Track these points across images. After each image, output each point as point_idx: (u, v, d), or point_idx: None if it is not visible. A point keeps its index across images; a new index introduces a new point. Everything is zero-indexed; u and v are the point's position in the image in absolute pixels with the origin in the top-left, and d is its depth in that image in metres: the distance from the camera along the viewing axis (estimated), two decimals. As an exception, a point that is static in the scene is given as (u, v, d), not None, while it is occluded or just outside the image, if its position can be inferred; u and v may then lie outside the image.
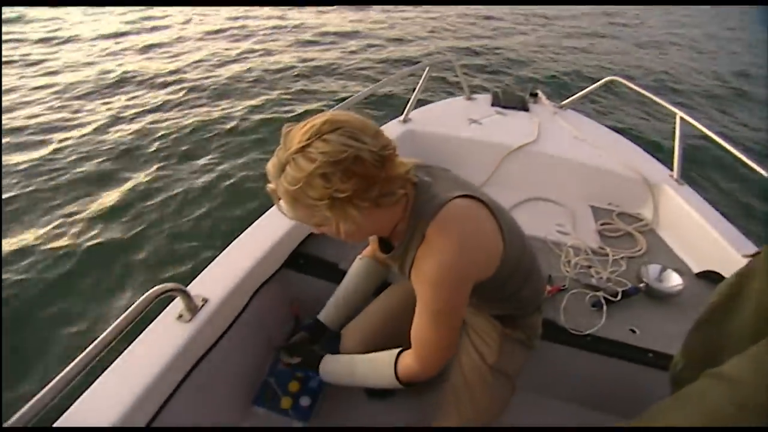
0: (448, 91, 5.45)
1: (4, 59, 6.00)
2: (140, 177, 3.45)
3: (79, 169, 3.50)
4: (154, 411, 0.96)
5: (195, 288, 1.16)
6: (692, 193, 1.89)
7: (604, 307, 1.37)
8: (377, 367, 0.99)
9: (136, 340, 1.02)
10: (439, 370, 0.92)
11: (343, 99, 1.94)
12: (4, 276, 2.44)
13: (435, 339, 0.86)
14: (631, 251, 1.71)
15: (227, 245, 1.33)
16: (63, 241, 2.75)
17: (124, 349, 1.00)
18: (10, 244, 2.70)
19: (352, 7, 10.74)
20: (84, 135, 4.05)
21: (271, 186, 0.78)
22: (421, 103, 2.39)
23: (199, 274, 1.23)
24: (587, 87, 2.61)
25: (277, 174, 0.74)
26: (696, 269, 1.64)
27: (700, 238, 1.69)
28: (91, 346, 0.81)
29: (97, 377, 0.93)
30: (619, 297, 1.43)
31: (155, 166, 3.60)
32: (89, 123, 4.28)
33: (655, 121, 5.33)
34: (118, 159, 3.69)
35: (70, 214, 3.01)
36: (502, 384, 1.07)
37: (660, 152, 2.37)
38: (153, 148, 3.87)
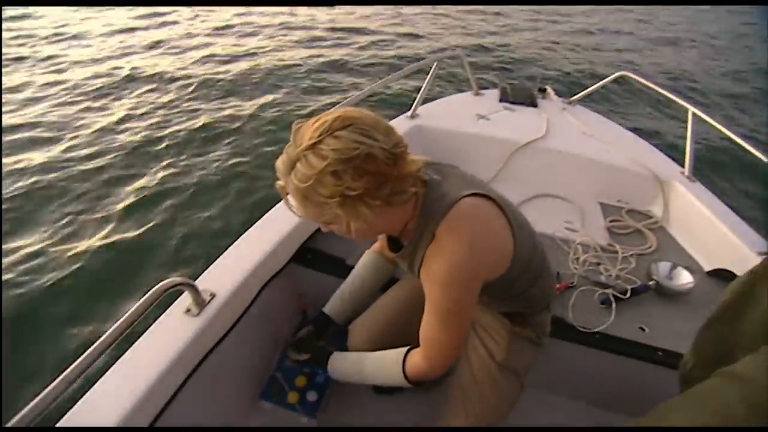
0: (456, 86, 5.42)
1: (13, 56, 6.03)
2: (150, 175, 3.46)
3: (89, 167, 3.51)
4: (162, 405, 0.97)
5: (203, 282, 1.17)
6: (704, 191, 1.86)
7: (613, 305, 1.36)
8: (385, 365, 0.99)
9: (145, 334, 1.03)
10: (447, 369, 0.91)
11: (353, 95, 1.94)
12: (14, 275, 2.45)
13: (444, 339, 0.86)
14: (641, 248, 1.69)
15: (236, 240, 1.34)
16: (73, 240, 2.77)
17: (133, 343, 1.00)
18: (21, 242, 2.71)
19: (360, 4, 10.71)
20: (94, 132, 4.06)
21: (280, 183, 0.77)
22: (428, 98, 2.38)
23: (207, 268, 1.23)
24: (597, 83, 2.59)
25: (286, 171, 0.73)
26: (707, 267, 1.61)
27: (712, 235, 1.67)
28: (99, 341, 0.82)
29: (106, 371, 0.94)
30: (628, 294, 1.41)
31: (165, 164, 3.60)
32: (99, 120, 4.30)
33: (666, 118, 5.27)
34: (128, 157, 3.70)
35: (81, 212, 3.02)
36: (511, 382, 1.07)
37: (671, 149, 2.34)
38: (163, 146, 3.88)
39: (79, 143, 3.87)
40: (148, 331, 1.03)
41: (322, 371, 1.12)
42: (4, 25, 7.37)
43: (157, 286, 0.93)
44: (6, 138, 3.90)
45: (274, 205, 1.47)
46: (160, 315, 1.08)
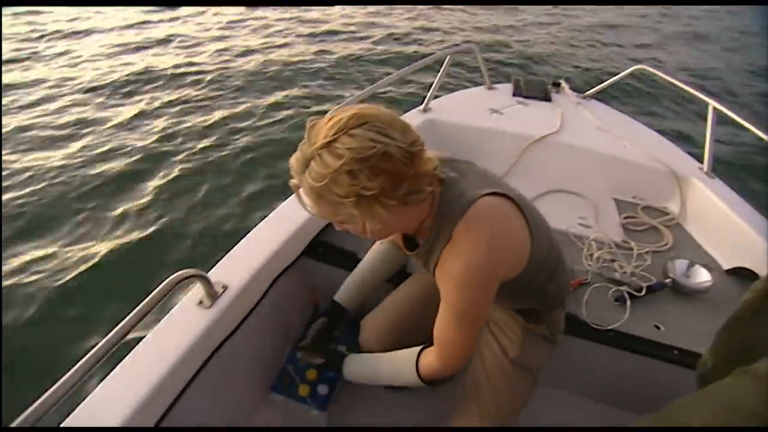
0: (470, 80, 5.37)
1: (23, 54, 6.05)
2: (163, 174, 3.46)
3: (102, 166, 3.51)
4: (174, 396, 0.98)
5: (215, 274, 1.17)
6: (724, 187, 1.82)
7: (628, 302, 1.34)
8: (399, 366, 0.99)
9: (158, 325, 1.04)
10: (461, 368, 0.91)
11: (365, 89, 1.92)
12: (25, 275, 2.47)
13: (458, 338, 0.85)
14: (657, 246, 1.66)
15: (248, 233, 1.34)
16: (87, 239, 2.78)
17: (145, 334, 1.01)
18: (35, 242, 2.73)
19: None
20: (106, 130, 4.08)
21: (294, 181, 0.76)
22: (441, 92, 2.36)
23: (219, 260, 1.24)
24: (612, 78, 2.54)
25: (300, 169, 0.72)
26: (726, 265, 1.58)
27: (732, 233, 1.63)
28: (112, 332, 0.83)
29: (119, 362, 0.95)
30: (643, 292, 1.39)
31: (178, 163, 3.60)
32: (110, 119, 4.30)
33: (685, 113, 5.17)
34: (142, 156, 3.68)
35: (95, 208, 3.04)
36: (524, 379, 1.06)
37: (690, 145, 2.28)
38: (175, 145, 3.87)
39: (93, 141, 3.89)
40: (161, 322, 1.04)
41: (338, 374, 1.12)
42: (17, 20, 7.46)
43: (170, 278, 0.94)
44: (20, 135, 3.95)
45: (286, 199, 1.47)
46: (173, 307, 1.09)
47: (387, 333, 1.15)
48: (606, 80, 2.58)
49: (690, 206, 1.85)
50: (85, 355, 0.78)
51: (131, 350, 0.97)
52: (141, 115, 4.40)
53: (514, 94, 2.53)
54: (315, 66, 5.86)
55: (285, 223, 1.38)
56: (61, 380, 0.74)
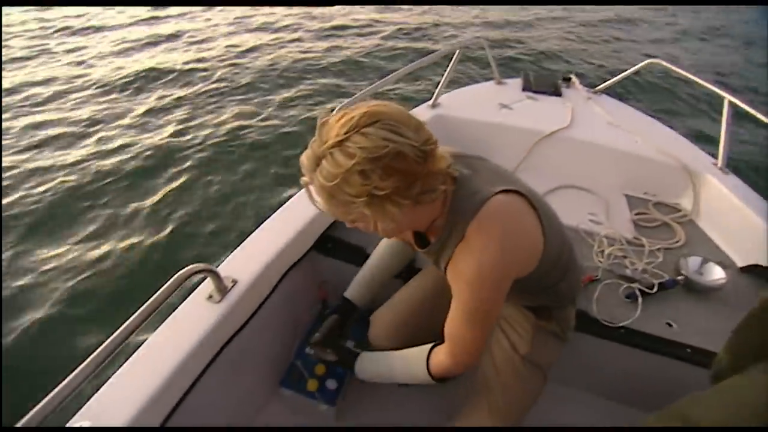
0: (480, 75, 5.32)
1: (31, 52, 6.09)
2: (174, 171, 3.47)
3: (113, 163, 3.53)
4: (184, 390, 0.98)
5: (225, 269, 1.18)
6: (738, 183, 1.78)
7: (639, 299, 1.32)
8: (410, 364, 0.98)
9: (168, 319, 1.04)
10: (472, 366, 0.90)
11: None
12: (36, 275, 2.48)
13: (470, 337, 0.85)
14: (669, 242, 1.64)
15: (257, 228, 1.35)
16: (99, 236, 2.80)
17: (156, 328, 1.02)
18: (46, 240, 2.75)
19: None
20: (116, 128, 4.10)
21: (305, 179, 0.75)
22: (450, 87, 2.34)
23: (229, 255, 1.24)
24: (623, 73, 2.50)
25: (312, 167, 0.71)
26: (740, 263, 1.55)
27: (747, 229, 1.60)
28: (122, 327, 0.83)
29: (130, 356, 0.96)
30: (655, 289, 1.37)
31: (189, 159, 3.61)
32: (121, 116, 4.33)
33: (699, 108, 5.07)
34: (152, 153, 3.69)
35: (106, 205, 3.07)
36: (534, 375, 1.05)
37: (704, 141, 2.24)
38: (186, 141, 3.88)
39: (104, 138, 3.92)
40: (171, 317, 1.05)
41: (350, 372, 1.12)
42: (23, 17, 7.52)
43: (180, 272, 0.94)
44: (31, 134, 3.98)
45: (296, 194, 1.48)
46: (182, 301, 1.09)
47: (396, 329, 1.15)
48: (617, 75, 2.54)
49: (703, 202, 1.82)
50: (94, 351, 0.79)
51: (141, 345, 0.98)
52: (151, 112, 4.42)
53: (524, 89, 2.50)
54: (324, 62, 5.85)
55: (294, 218, 1.38)
56: (69, 378, 0.75)
